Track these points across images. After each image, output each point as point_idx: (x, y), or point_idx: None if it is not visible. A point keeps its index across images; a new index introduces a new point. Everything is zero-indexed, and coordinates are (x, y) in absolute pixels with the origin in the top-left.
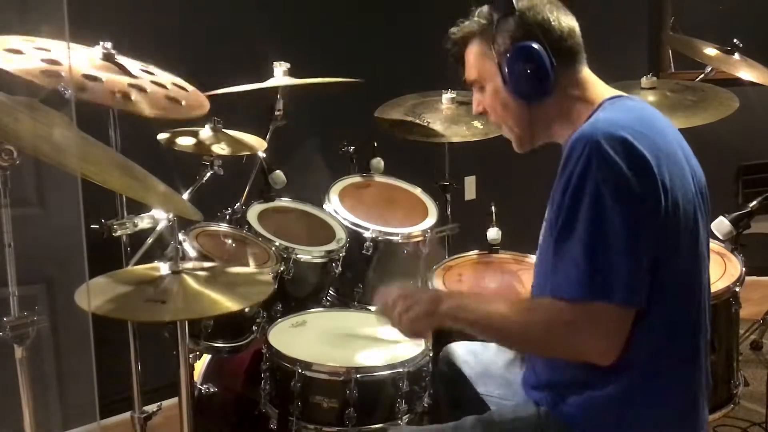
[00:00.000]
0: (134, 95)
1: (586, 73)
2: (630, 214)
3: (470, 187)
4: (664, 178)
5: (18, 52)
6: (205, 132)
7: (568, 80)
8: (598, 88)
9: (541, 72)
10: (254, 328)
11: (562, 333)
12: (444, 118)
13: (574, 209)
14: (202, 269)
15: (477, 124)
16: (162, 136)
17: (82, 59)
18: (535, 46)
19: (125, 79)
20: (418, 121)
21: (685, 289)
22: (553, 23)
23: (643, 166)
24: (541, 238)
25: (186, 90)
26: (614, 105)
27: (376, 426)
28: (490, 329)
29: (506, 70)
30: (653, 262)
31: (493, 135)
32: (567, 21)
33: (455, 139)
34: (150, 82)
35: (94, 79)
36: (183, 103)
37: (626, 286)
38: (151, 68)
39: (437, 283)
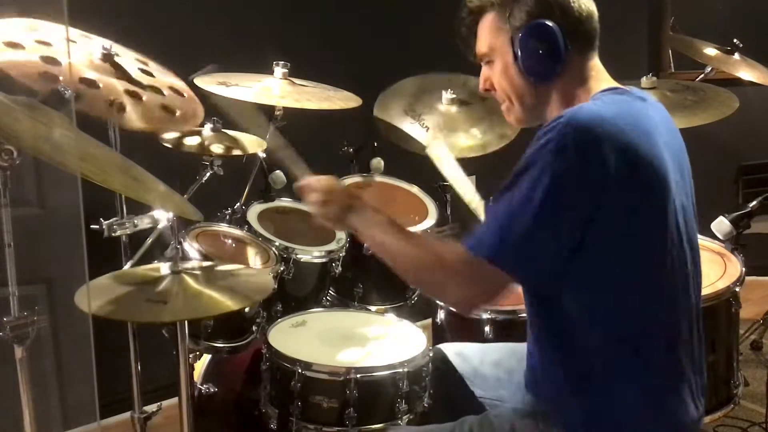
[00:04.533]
0: (129, 106)
1: (596, 62)
2: (562, 200)
3: None
4: (618, 174)
5: (18, 45)
6: (205, 132)
7: (577, 65)
8: (601, 80)
9: (554, 52)
10: (254, 328)
11: (435, 270)
12: (442, 124)
13: (515, 179)
14: (202, 269)
15: (476, 132)
16: (162, 136)
17: (81, 56)
18: (551, 24)
19: (122, 85)
20: (417, 123)
21: (663, 290)
22: (572, 4)
23: (596, 161)
24: None
25: (183, 95)
26: (605, 96)
27: (376, 426)
28: (383, 251)
29: (519, 46)
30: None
31: (491, 149)
32: (587, 4)
33: (452, 154)
34: (147, 86)
35: (92, 83)
36: (177, 113)
37: (518, 256)
38: (150, 65)
39: None
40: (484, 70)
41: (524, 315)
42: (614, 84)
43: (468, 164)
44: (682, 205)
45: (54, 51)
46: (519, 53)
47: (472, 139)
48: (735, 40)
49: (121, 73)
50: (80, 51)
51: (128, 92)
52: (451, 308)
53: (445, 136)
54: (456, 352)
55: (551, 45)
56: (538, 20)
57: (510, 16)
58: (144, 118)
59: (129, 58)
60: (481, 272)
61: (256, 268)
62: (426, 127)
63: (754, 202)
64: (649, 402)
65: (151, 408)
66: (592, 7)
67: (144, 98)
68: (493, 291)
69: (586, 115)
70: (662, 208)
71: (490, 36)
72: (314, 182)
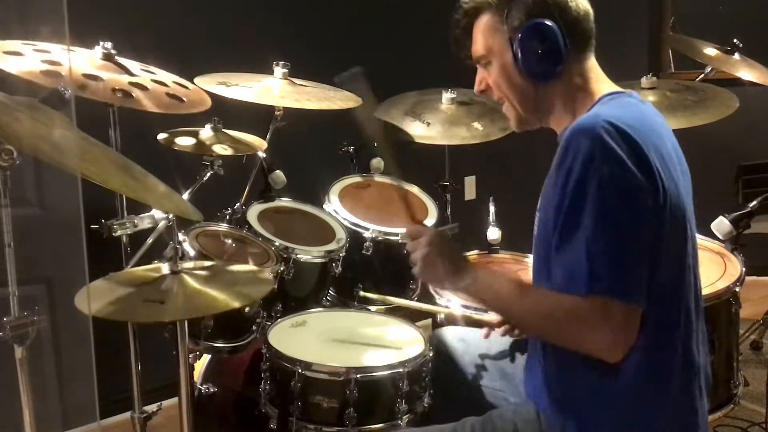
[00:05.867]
0: (135, 93)
1: (594, 62)
2: (634, 209)
3: (470, 187)
4: (661, 176)
5: (18, 53)
6: (205, 132)
7: (576, 66)
8: (601, 81)
9: (554, 52)
10: (254, 328)
11: (569, 326)
12: (444, 119)
13: (578, 203)
14: (202, 269)
15: (477, 125)
16: (162, 136)
17: (82, 60)
18: (551, 24)
19: (126, 78)
20: (417, 121)
21: (673, 291)
22: (570, 3)
23: (645, 160)
24: (535, 229)
25: (187, 88)
26: (613, 101)
27: (376, 426)
28: (503, 312)
29: (518, 46)
30: (651, 260)
31: (494, 137)
32: (584, 4)
33: (454, 142)
34: (151, 81)
35: (95, 78)
36: (185, 100)
37: (630, 282)
38: (152, 68)
39: None
40: (480, 72)
41: None
42: (614, 86)
43: (468, 165)
44: (686, 203)
45: (53, 57)
46: (518, 54)
47: (474, 131)
48: (735, 40)
49: (123, 70)
50: (81, 56)
51: (133, 84)
52: (603, 358)
53: (446, 129)
54: (459, 338)
55: (551, 45)
56: (537, 20)
57: (507, 17)
58: (153, 102)
59: (129, 62)
60: (597, 311)
61: (256, 268)
62: (427, 122)
63: (754, 202)
64: (656, 409)
65: (151, 408)
66: (588, 7)
67: (149, 88)
68: (624, 327)
69: (613, 118)
70: (682, 206)
71: (486, 37)
72: (424, 235)
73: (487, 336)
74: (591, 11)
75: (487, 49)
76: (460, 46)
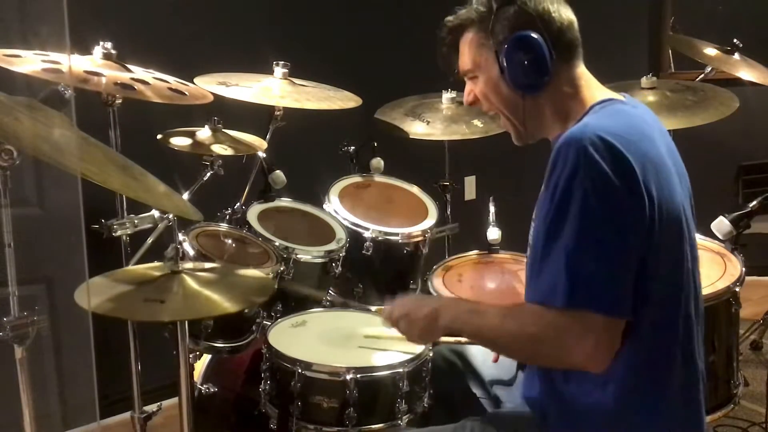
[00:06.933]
0: (138, 86)
1: (582, 70)
2: (617, 222)
3: (470, 187)
4: (649, 187)
5: (17, 56)
6: (205, 132)
7: (564, 75)
8: (592, 88)
9: (540, 63)
10: (254, 328)
11: (550, 341)
12: (444, 118)
13: (561, 215)
14: (202, 269)
15: (477, 122)
16: (162, 136)
17: (82, 60)
18: (536, 36)
19: (127, 75)
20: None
21: (671, 297)
22: (553, 14)
23: (630, 173)
24: (530, 239)
25: (187, 85)
26: (604, 109)
27: (376, 426)
28: (484, 341)
29: (504, 59)
30: (639, 271)
31: (493, 133)
32: (567, 13)
33: (455, 137)
34: (152, 78)
35: (97, 74)
36: (186, 93)
37: (611, 295)
38: (152, 71)
39: (437, 282)
40: (469, 85)
41: None
42: (607, 92)
43: (468, 165)
44: (683, 206)
45: (53, 58)
46: (504, 67)
47: (473, 128)
48: (735, 40)
49: (124, 69)
50: (81, 59)
51: (134, 79)
52: (587, 370)
53: (446, 126)
54: (457, 352)
55: (537, 56)
56: (521, 32)
57: (492, 31)
58: (156, 95)
59: (130, 66)
60: (577, 323)
61: (256, 268)
62: (427, 121)
63: (754, 202)
64: (654, 415)
65: (151, 408)
66: (572, 16)
67: (151, 83)
68: (604, 339)
69: (601, 129)
70: (677, 211)
71: (473, 52)
72: (393, 312)
73: (495, 360)
74: (575, 20)
75: (474, 64)
76: (447, 63)
